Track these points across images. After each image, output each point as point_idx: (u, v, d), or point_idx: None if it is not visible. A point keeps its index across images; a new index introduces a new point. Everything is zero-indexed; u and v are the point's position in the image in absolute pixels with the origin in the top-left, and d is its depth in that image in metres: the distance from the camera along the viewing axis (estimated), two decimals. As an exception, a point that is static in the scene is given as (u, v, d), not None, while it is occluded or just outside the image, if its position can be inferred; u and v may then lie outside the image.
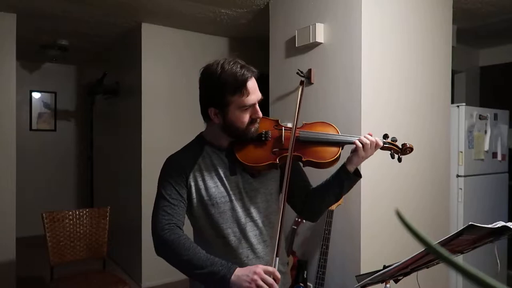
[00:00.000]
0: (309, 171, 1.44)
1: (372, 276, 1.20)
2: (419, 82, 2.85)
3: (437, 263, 1.24)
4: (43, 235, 2.93)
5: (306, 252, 2.92)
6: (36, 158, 5.83)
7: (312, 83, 2.86)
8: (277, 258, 1.21)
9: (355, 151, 1.34)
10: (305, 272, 2.85)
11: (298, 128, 1.37)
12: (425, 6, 2.88)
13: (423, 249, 1.00)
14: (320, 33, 2.76)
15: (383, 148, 1.37)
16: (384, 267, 1.19)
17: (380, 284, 1.29)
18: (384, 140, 1.38)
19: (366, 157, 1.34)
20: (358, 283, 1.24)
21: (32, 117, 5.91)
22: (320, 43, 2.79)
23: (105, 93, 4.69)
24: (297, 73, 2.88)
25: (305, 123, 1.42)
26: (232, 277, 1.17)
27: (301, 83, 1.39)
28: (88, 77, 5.77)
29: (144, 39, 3.99)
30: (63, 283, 2.85)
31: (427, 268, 1.24)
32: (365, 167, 2.53)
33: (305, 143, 1.35)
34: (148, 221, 4.15)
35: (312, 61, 2.87)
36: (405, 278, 1.27)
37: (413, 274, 1.26)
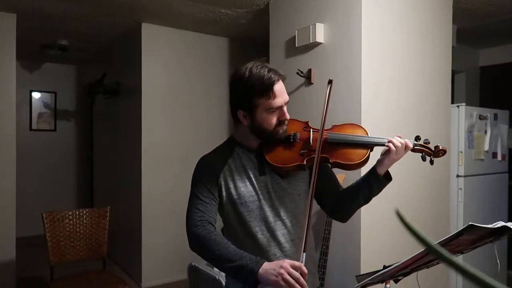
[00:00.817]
0: (342, 171, 1.44)
1: (372, 276, 1.20)
2: (419, 82, 2.85)
3: (437, 263, 1.24)
4: (43, 235, 2.93)
5: (306, 252, 2.92)
6: (36, 158, 5.83)
7: (312, 83, 2.86)
8: (304, 254, 1.23)
9: (386, 153, 1.36)
10: (305, 272, 2.84)
11: (327, 130, 1.40)
12: (425, 6, 2.88)
13: (423, 249, 1.00)
14: (320, 33, 2.76)
15: (414, 150, 1.37)
16: (384, 267, 1.19)
17: (380, 284, 1.29)
18: (416, 142, 1.38)
19: (397, 160, 1.35)
20: (358, 283, 1.24)
21: (32, 117, 5.91)
22: (320, 43, 2.79)
23: (105, 93, 4.69)
24: (297, 73, 2.88)
25: (334, 125, 1.44)
26: (260, 270, 1.21)
27: (329, 82, 1.41)
28: (88, 77, 5.77)
29: (144, 39, 3.99)
30: (63, 283, 2.85)
31: (427, 268, 1.24)
32: (365, 167, 2.53)
33: (333, 145, 1.37)
34: (148, 221, 4.17)
35: (312, 61, 2.87)
36: (405, 278, 1.27)
37: (413, 274, 1.26)
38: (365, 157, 1.34)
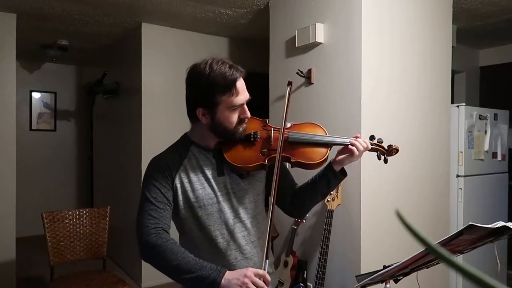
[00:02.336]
0: (293, 169, 1.44)
1: (372, 276, 1.20)
2: (419, 82, 2.85)
3: (437, 263, 1.24)
4: (43, 235, 2.93)
5: (306, 252, 2.92)
6: (36, 158, 5.83)
7: (312, 83, 2.86)
8: (267, 261, 1.21)
9: (344, 153, 1.35)
10: (305, 272, 2.85)
11: (287, 129, 1.37)
12: (425, 6, 2.88)
13: (423, 249, 1.00)
14: (320, 33, 2.76)
15: (370, 149, 1.38)
16: (384, 267, 1.19)
17: (380, 284, 1.29)
18: (371, 142, 1.39)
19: (356, 160, 1.35)
20: (358, 283, 1.24)
21: (32, 117, 5.91)
22: (320, 43, 2.79)
23: (105, 93, 4.69)
24: (297, 73, 2.88)
25: (294, 124, 1.42)
26: (222, 281, 1.17)
27: (289, 83, 1.39)
28: (88, 77, 5.77)
29: (144, 39, 3.99)
30: (63, 283, 2.85)
31: (427, 268, 1.24)
32: (365, 167, 2.53)
33: (294, 144, 1.35)
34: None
35: (312, 61, 2.87)
36: (405, 278, 1.27)
37: (413, 274, 1.26)
38: (326, 156, 1.34)
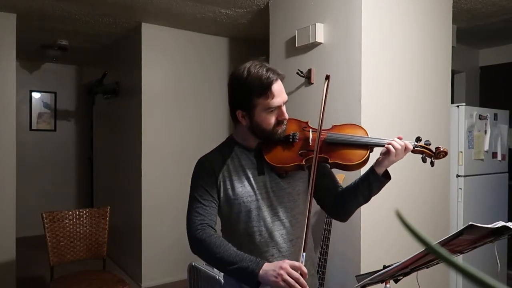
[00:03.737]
0: (343, 172, 1.44)
1: (372, 276, 1.20)
2: (419, 82, 2.85)
3: (437, 263, 1.24)
4: (43, 235, 2.93)
5: (306, 252, 2.92)
6: (36, 158, 5.83)
7: (312, 83, 2.86)
8: (304, 254, 1.23)
9: (385, 154, 1.34)
10: (305, 272, 2.84)
11: (327, 130, 1.39)
12: (425, 6, 2.88)
13: (423, 249, 1.00)
14: (320, 33, 2.76)
15: (414, 151, 1.36)
16: (384, 267, 1.19)
17: (380, 284, 1.29)
18: (416, 144, 1.36)
19: (396, 161, 1.34)
20: (358, 283, 1.24)
21: (32, 117, 5.91)
22: (320, 43, 2.79)
23: (105, 93, 4.69)
24: (297, 73, 2.88)
25: (334, 125, 1.43)
26: (260, 271, 1.21)
27: (327, 77, 1.40)
28: (88, 77, 5.78)
29: (144, 39, 3.99)
30: (63, 283, 2.85)
31: (427, 268, 1.24)
32: (365, 167, 2.53)
33: (332, 145, 1.36)
34: (148, 221, 4.17)
35: (312, 61, 2.87)
36: (405, 278, 1.27)
37: (413, 274, 1.26)
38: (365, 157, 1.34)
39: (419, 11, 2.84)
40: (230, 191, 1.37)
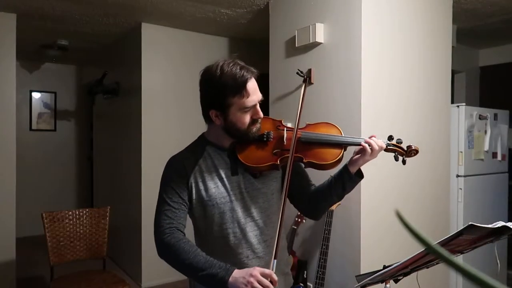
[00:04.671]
0: (312, 170, 1.44)
1: (372, 276, 1.20)
2: (419, 82, 2.85)
3: (437, 263, 1.24)
4: (43, 235, 2.93)
5: (306, 252, 2.92)
6: (36, 158, 5.83)
7: (312, 83, 2.86)
8: (275, 261, 1.22)
9: (360, 153, 1.33)
10: (305, 272, 2.85)
11: (301, 129, 1.37)
12: (425, 6, 2.88)
13: (423, 249, 1.00)
14: (320, 33, 2.76)
15: (387, 150, 1.35)
16: (384, 267, 1.19)
17: (380, 284, 1.29)
18: (389, 142, 1.36)
19: (370, 160, 1.33)
20: (358, 283, 1.24)
21: (32, 117, 5.91)
22: (320, 43, 2.79)
23: (105, 93, 4.69)
24: (297, 73, 2.87)
25: (308, 124, 1.42)
26: (230, 279, 1.19)
27: (304, 80, 1.39)
28: (88, 77, 5.77)
29: (144, 39, 3.99)
30: (63, 283, 2.85)
31: (427, 268, 1.24)
32: (365, 167, 2.52)
33: (307, 144, 1.34)
34: (148, 220, 4.16)
35: (312, 61, 2.87)
36: (405, 278, 1.27)
37: (413, 274, 1.26)
38: (339, 157, 1.32)
39: (419, 11, 2.84)
40: (203, 192, 1.33)
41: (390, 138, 1.38)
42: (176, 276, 4.03)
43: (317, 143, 1.35)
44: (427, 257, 1.08)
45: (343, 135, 1.38)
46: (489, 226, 1.02)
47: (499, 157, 3.69)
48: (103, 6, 3.47)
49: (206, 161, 1.37)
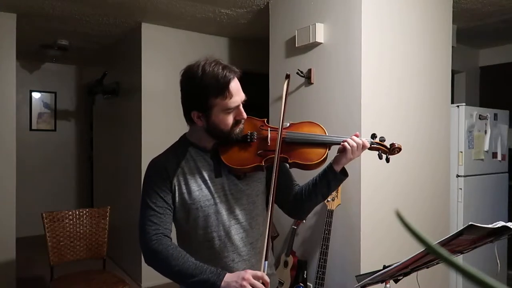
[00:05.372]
0: (295, 170, 1.42)
1: (372, 276, 1.20)
2: (419, 82, 2.85)
3: (437, 263, 1.24)
4: (43, 235, 2.93)
5: (306, 252, 2.92)
6: (36, 158, 5.83)
7: (312, 83, 2.86)
8: (266, 262, 1.21)
9: (342, 152, 1.32)
10: (305, 272, 2.85)
11: (284, 128, 1.34)
12: (425, 6, 2.88)
13: (423, 249, 1.00)
14: (320, 33, 2.76)
15: (370, 148, 1.35)
16: (384, 267, 1.19)
17: (380, 284, 1.29)
18: (372, 140, 1.35)
19: (354, 158, 1.32)
20: (358, 283, 1.24)
21: (32, 117, 5.91)
22: (320, 43, 2.79)
23: (105, 93, 4.69)
24: (297, 73, 2.88)
25: (292, 123, 1.39)
26: (222, 283, 1.18)
27: (287, 76, 1.36)
28: (88, 77, 5.77)
29: (144, 39, 3.99)
30: (63, 283, 2.85)
31: (427, 268, 1.24)
32: (365, 166, 2.53)
33: (291, 144, 1.32)
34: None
35: (312, 61, 2.87)
36: (405, 278, 1.27)
37: (413, 274, 1.26)
38: (324, 156, 1.31)
39: (419, 11, 2.84)
40: (186, 196, 1.29)
41: (373, 136, 1.37)
42: (176, 276, 4.03)
43: (301, 143, 1.33)
44: (427, 257, 1.08)
45: (327, 134, 1.37)
46: (489, 226, 1.02)
47: (499, 157, 3.69)
48: (103, 6, 3.47)
49: (188, 163, 1.33)
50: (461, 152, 3.36)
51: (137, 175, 4.03)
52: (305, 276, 2.84)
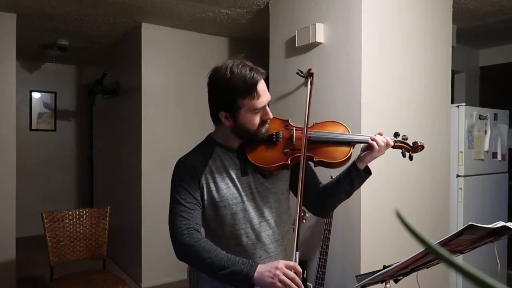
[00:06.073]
0: (317, 168, 1.45)
1: (372, 276, 1.20)
2: (419, 82, 2.85)
3: (437, 263, 1.24)
4: (43, 235, 2.93)
5: (306, 252, 2.92)
6: (36, 158, 5.83)
7: (312, 83, 2.86)
8: (297, 252, 1.24)
9: (367, 150, 1.35)
10: (305, 272, 2.85)
11: (309, 128, 1.38)
12: (425, 6, 2.88)
13: (423, 249, 1.00)
14: (320, 33, 2.76)
15: (394, 146, 1.38)
16: (384, 267, 1.19)
17: (380, 284, 1.29)
18: (395, 139, 1.39)
19: (378, 156, 1.35)
20: (358, 283, 1.24)
21: (32, 117, 5.91)
22: (320, 43, 2.79)
23: (105, 93, 4.69)
24: (297, 73, 2.88)
25: (316, 123, 1.43)
26: (255, 274, 1.19)
27: (310, 74, 1.40)
28: (88, 77, 5.77)
29: (144, 39, 3.99)
30: (63, 283, 2.85)
31: (427, 268, 1.24)
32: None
33: (316, 143, 1.36)
34: (148, 221, 4.16)
35: (312, 61, 2.86)
36: (405, 278, 1.27)
37: (413, 274, 1.26)
38: (349, 155, 1.35)
39: (419, 11, 2.84)
40: (214, 193, 1.33)
41: (396, 134, 1.41)
42: (176, 276, 4.03)
43: (326, 141, 1.36)
44: (427, 257, 1.08)
45: (350, 133, 1.40)
46: (489, 226, 1.02)
47: (499, 157, 3.69)
48: (103, 6, 3.47)
49: (215, 162, 1.36)
50: (461, 152, 3.36)
51: (137, 175, 4.03)
52: (305, 276, 2.84)
